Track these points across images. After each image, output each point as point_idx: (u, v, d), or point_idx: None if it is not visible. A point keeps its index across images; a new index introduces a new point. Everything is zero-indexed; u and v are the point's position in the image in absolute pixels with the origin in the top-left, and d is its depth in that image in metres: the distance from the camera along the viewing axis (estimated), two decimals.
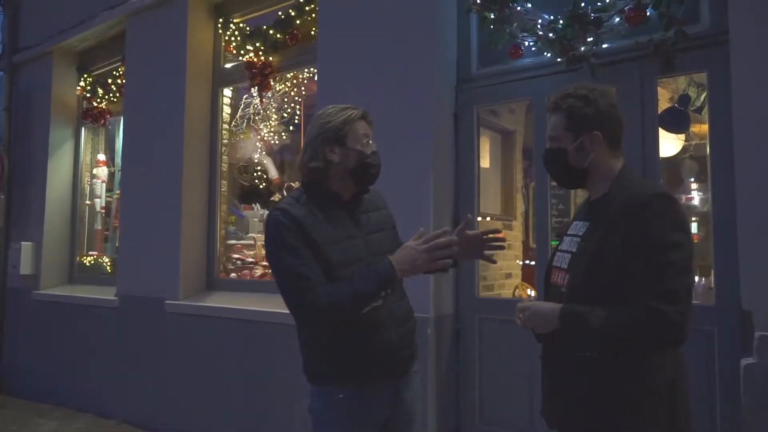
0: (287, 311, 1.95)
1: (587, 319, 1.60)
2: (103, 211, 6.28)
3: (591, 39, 3.04)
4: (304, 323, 1.96)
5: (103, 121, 6.13)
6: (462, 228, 2.11)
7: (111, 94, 5.91)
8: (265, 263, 4.73)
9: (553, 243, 3.48)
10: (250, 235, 5.08)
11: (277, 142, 5.72)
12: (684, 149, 4.54)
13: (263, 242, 2.08)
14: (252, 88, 4.89)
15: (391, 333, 1.97)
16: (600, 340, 1.61)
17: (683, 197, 4.39)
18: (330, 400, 1.96)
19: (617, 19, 2.98)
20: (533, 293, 4.21)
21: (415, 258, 1.86)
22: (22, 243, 6.04)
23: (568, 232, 1.88)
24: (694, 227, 4.52)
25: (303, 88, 5.29)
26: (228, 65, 5.05)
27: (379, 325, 1.94)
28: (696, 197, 4.43)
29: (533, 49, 3.30)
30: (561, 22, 3.09)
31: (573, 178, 1.86)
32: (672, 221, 1.60)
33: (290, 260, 1.87)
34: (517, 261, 4.97)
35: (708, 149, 2.94)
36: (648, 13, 2.88)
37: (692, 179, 4.53)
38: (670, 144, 4.37)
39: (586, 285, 1.67)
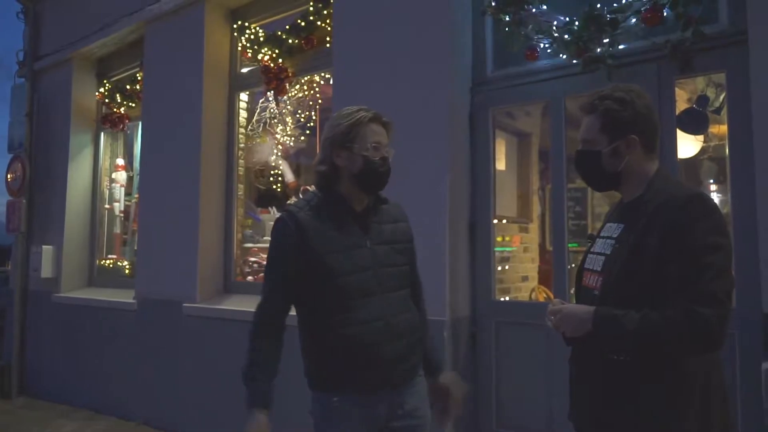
0: (304, 315, 1.99)
1: (622, 322, 1.57)
2: (122, 215, 6.36)
3: (607, 40, 3.02)
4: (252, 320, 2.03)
5: (121, 126, 6.21)
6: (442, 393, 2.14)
7: (129, 100, 6.00)
8: None
9: (570, 245, 3.47)
10: (267, 238, 5.10)
11: (293, 145, 5.74)
12: (703, 150, 4.49)
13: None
14: (268, 93, 4.92)
15: (384, 347, 1.92)
16: (634, 342, 1.58)
17: None
18: (325, 404, 1.97)
19: (634, 20, 2.96)
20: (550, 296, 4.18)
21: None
22: (43, 246, 6.13)
23: (601, 234, 1.84)
24: None
25: (318, 92, 5.32)
26: (244, 70, 5.09)
27: (373, 338, 1.91)
28: (715, 199, 4.37)
29: (549, 51, 3.29)
30: (577, 23, 3.07)
31: (606, 181, 1.82)
32: (710, 223, 1.57)
33: (270, 274, 2.04)
34: (534, 265, 4.94)
35: (727, 150, 2.90)
36: (665, 14, 2.85)
37: (711, 181, 4.47)
38: (688, 145, 4.32)
39: (620, 287, 1.64)
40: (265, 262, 4.96)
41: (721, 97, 3.88)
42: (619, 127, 1.72)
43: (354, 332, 1.90)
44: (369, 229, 2.01)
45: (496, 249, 3.78)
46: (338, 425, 1.95)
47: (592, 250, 1.86)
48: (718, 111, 4.04)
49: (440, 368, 2.19)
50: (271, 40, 4.65)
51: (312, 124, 5.52)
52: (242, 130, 5.14)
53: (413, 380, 2.05)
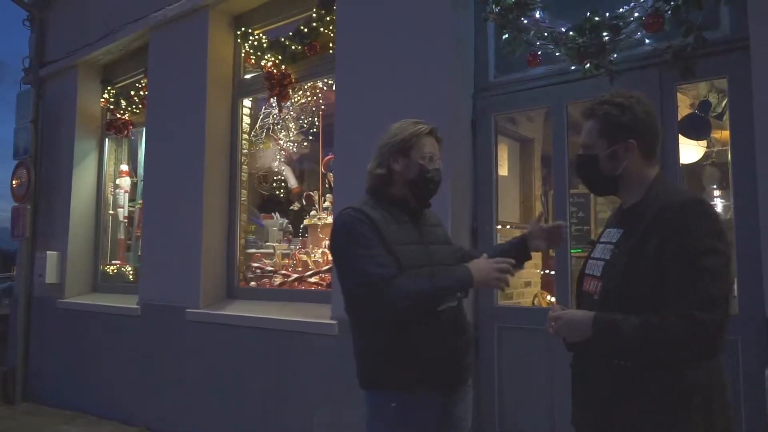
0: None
1: (621, 327, 1.58)
2: (126, 220, 6.39)
3: (609, 46, 3.02)
4: (379, 316, 1.95)
5: (126, 132, 6.24)
6: (537, 221, 2.29)
7: (134, 106, 6.03)
8: (284, 272, 4.76)
9: (572, 251, 3.47)
10: (270, 243, 5.11)
11: (296, 151, 5.76)
12: (706, 156, 4.48)
13: (329, 241, 2.16)
14: (271, 99, 4.95)
15: (452, 340, 2.01)
16: (633, 347, 1.59)
17: None
18: (381, 409, 1.99)
19: (635, 26, 2.96)
20: (553, 298, 4.18)
21: (489, 271, 1.96)
22: (48, 252, 6.16)
23: (601, 240, 1.86)
24: None
25: (321, 98, 5.33)
26: (248, 76, 5.12)
27: (441, 331, 1.98)
28: (718, 204, 4.36)
29: (551, 56, 3.29)
30: (578, 29, 3.08)
31: (604, 185, 1.86)
32: (708, 227, 1.58)
33: (363, 251, 1.92)
34: (537, 270, 4.93)
35: (729, 156, 2.90)
36: (666, 20, 2.85)
37: (714, 186, 4.46)
38: (691, 151, 4.32)
39: (619, 292, 1.65)
40: (269, 268, 4.95)
41: (723, 103, 3.88)
42: (617, 131, 1.74)
43: (433, 324, 1.95)
44: (422, 229, 2.12)
45: None
46: (393, 426, 1.97)
47: (592, 255, 1.87)
48: (720, 116, 4.04)
49: (519, 239, 2.32)
50: (275, 47, 4.68)
51: (315, 130, 5.53)
52: (245, 136, 5.16)
53: (464, 385, 2.11)
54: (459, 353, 2.04)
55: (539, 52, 3.29)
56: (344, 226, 2.00)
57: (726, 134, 3.36)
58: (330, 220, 4.68)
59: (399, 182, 2.09)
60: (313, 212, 5.13)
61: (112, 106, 6.28)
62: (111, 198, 6.44)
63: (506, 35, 3.30)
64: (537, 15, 3.25)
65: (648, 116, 1.76)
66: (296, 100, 5.34)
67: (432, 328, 1.96)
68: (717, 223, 1.62)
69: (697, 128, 3.97)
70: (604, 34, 2.99)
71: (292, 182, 5.75)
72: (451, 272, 1.97)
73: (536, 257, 5.00)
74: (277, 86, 4.69)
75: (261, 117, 5.43)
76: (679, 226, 1.57)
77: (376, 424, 2.02)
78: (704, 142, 4.38)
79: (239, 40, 5.03)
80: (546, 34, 3.21)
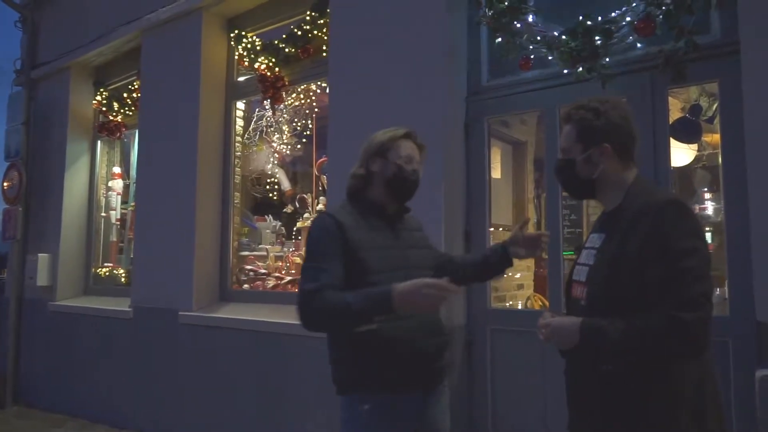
0: (299, 322, 1.98)
1: (606, 332, 1.59)
2: (118, 223, 6.35)
3: (601, 50, 3.04)
4: (302, 323, 1.98)
5: (118, 135, 6.21)
6: (520, 228, 2.29)
7: (126, 108, 6.00)
8: (277, 274, 4.76)
9: (565, 253, 3.48)
10: (263, 246, 5.10)
11: (289, 153, 5.76)
12: (696, 159, 4.52)
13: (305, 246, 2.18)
14: (264, 101, 4.94)
15: (418, 343, 2.01)
16: (620, 351, 1.60)
17: (696, 207, 4.36)
18: (355, 411, 1.99)
19: (627, 30, 2.98)
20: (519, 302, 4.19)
21: (414, 293, 1.79)
22: (39, 255, 6.12)
23: (586, 245, 1.87)
24: (707, 237, 4.48)
25: (315, 101, 5.34)
26: (241, 78, 5.12)
27: (408, 334, 1.98)
28: (709, 207, 4.39)
29: (543, 60, 3.31)
30: (571, 33, 3.10)
31: (582, 189, 1.88)
32: (686, 228, 1.60)
33: (310, 263, 1.99)
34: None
35: (720, 159, 2.92)
36: (658, 24, 2.88)
37: (705, 189, 4.50)
38: (682, 154, 4.35)
39: (604, 297, 1.67)
40: (262, 271, 4.95)
41: (714, 106, 3.91)
42: (592, 135, 1.77)
43: (389, 328, 1.93)
44: (399, 234, 2.14)
45: None
46: (368, 429, 1.98)
47: (578, 261, 1.89)
48: (711, 120, 4.07)
49: (501, 246, 2.32)
50: (268, 49, 4.68)
51: (308, 132, 5.53)
52: (239, 138, 5.15)
53: (439, 386, 2.13)
54: (431, 356, 2.05)
55: (532, 56, 3.31)
56: (312, 231, 2.08)
57: (717, 137, 3.38)
58: None
59: (377, 183, 2.13)
60: (306, 215, 5.13)
61: (104, 108, 6.24)
62: (103, 200, 6.41)
63: (499, 39, 3.32)
64: (530, 19, 3.27)
65: (623, 120, 1.78)
66: (290, 102, 5.35)
67: (402, 332, 1.96)
68: (695, 222, 1.65)
69: (688, 132, 4.01)
70: (597, 38, 3.01)
71: (286, 185, 5.74)
72: (372, 294, 1.85)
73: (529, 260, 5.02)
74: (271, 89, 4.69)
75: (254, 119, 5.42)
76: (658, 228, 1.59)
77: (351, 429, 2.03)
78: (695, 146, 4.42)
79: (233, 43, 5.02)
80: (539, 38, 3.23)
